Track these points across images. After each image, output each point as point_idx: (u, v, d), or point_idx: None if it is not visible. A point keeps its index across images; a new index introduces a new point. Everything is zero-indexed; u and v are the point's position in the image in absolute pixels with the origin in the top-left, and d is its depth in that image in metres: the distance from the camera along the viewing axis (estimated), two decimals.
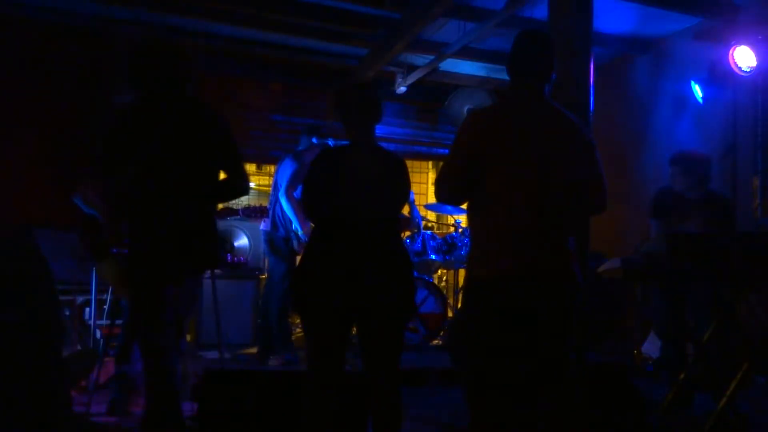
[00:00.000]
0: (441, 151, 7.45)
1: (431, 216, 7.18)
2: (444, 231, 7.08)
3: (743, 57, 4.47)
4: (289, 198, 4.71)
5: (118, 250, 3.42)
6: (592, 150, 2.34)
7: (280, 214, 4.83)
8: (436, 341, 5.28)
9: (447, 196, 2.41)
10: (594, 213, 2.51)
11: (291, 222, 4.74)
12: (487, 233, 2.28)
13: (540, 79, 2.34)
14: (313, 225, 2.65)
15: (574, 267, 2.29)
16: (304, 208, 2.89)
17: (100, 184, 3.56)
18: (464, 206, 2.48)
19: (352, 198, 2.52)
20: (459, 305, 1.84)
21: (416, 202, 5.89)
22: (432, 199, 6.92)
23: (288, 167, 4.77)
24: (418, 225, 5.61)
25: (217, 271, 3.68)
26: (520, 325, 2.24)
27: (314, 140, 4.88)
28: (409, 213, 5.40)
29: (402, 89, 6.58)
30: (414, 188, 4.61)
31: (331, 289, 2.46)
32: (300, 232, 4.70)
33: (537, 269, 2.22)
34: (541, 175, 2.23)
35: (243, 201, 7.13)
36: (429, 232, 5.79)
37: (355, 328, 2.60)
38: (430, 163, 8.34)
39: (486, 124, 2.31)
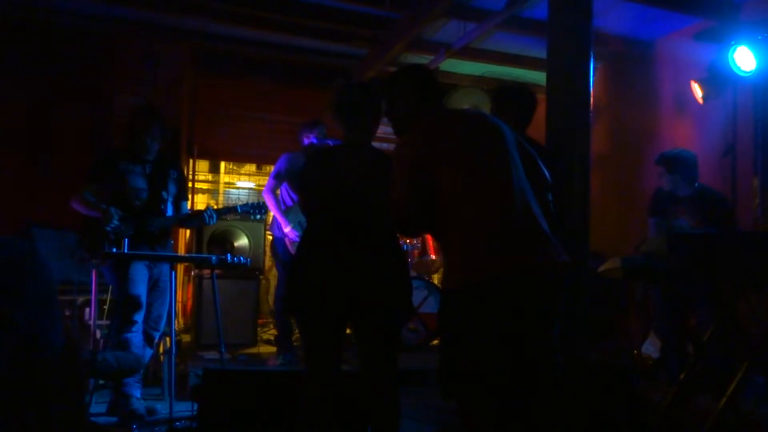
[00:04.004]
0: None
1: None
2: None
3: (743, 57, 4.46)
4: (265, 194, 4.73)
5: (118, 250, 3.44)
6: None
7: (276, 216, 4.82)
8: (436, 341, 5.27)
9: (416, 217, 2.17)
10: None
11: (285, 223, 4.71)
12: (468, 238, 2.12)
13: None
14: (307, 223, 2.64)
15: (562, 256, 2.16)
16: (300, 206, 2.90)
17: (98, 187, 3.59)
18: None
19: (341, 198, 2.51)
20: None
21: None
22: None
23: (277, 166, 4.79)
24: None
25: (216, 271, 3.68)
26: (521, 327, 2.10)
27: (314, 139, 4.86)
28: None
29: None
30: None
31: (323, 289, 2.45)
32: (287, 229, 4.68)
33: (531, 265, 2.10)
34: (501, 172, 2.18)
35: (242, 199, 7.12)
36: None
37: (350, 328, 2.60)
38: None
39: (424, 138, 2.22)
